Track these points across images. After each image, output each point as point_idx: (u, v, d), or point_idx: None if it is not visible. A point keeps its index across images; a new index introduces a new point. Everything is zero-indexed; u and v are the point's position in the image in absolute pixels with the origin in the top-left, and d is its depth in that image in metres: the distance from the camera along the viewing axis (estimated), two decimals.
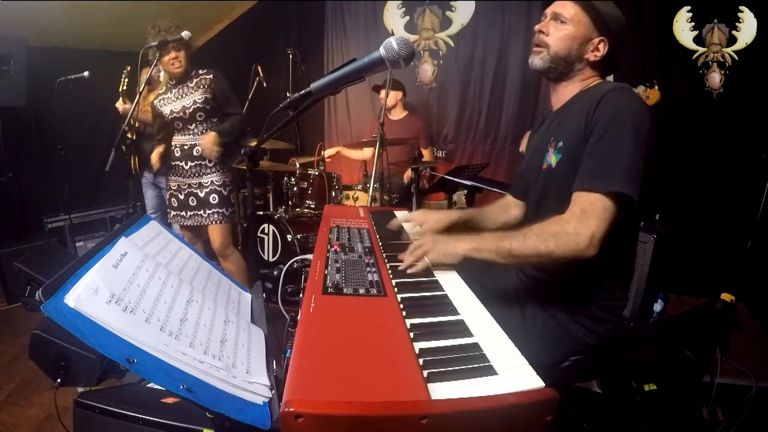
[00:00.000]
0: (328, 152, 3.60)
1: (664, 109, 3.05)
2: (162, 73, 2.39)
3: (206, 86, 2.34)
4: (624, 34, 1.17)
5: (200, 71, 2.38)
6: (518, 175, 1.47)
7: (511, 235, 1.03)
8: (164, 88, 2.42)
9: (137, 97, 2.31)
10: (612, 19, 1.14)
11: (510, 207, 1.50)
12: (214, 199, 2.43)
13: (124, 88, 2.68)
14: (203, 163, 2.41)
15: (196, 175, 2.42)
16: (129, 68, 2.74)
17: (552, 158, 1.16)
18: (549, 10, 1.19)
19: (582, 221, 0.98)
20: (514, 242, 1.02)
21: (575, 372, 1.18)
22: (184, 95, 2.35)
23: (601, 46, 1.15)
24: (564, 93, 1.23)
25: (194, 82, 2.35)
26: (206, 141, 2.31)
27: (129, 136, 2.84)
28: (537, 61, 1.19)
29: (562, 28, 1.15)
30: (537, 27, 1.20)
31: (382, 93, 2.99)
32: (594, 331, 1.14)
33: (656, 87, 2.87)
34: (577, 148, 1.08)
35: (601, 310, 1.14)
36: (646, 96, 2.78)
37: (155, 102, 2.43)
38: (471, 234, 1.12)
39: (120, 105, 2.70)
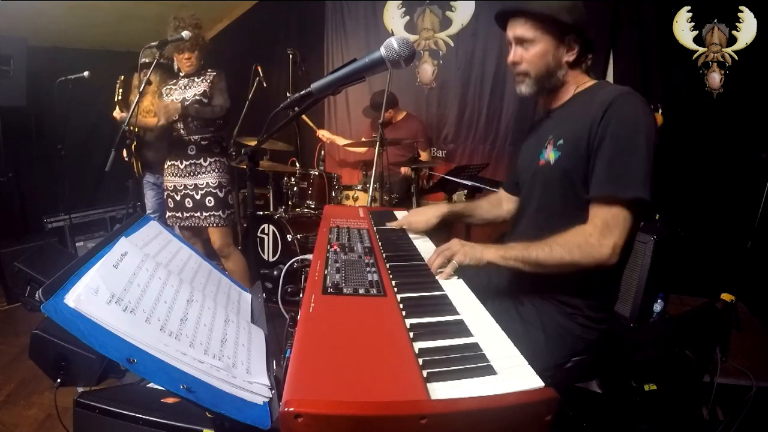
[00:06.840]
0: (326, 135, 3.75)
1: (664, 109, 3.05)
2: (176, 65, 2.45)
3: (209, 81, 2.39)
4: (584, 8, 1.14)
5: (209, 70, 2.43)
6: (512, 169, 1.49)
7: (537, 246, 1.07)
8: (175, 79, 2.47)
9: (137, 97, 2.30)
10: (568, 10, 1.12)
11: (502, 202, 1.54)
12: (210, 201, 2.43)
13: (119, 98, 2.64)
14: (198, 162, 2.42)
15: (191, 174, 2.42)
16: (123, 77, 2.72)
17: (551, 155, 1.16)
18: (510, 36, 1.19)
19: (605, 233, 1.02)
20: (540, 252, 1.06)
21: (579, 371, 1.19)
22: (188, 87, 2.40)
23: (572, 43, 1.15)
24: (559, 96, 1.24)
25: (200, 78, 2.40)
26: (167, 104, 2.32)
27: (127, 137, 2.82)
28: (524, 89, 1.21)
29: (530, 50, 1.16)
30: (509, 60, 1.21)
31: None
32: (590, 327, 1.16)
33: (660, 111, 2.88)
34: (577, 150, 1.09)
35: (596, 301, 1.16)
36: None
37: (163, 90, 2.46)
38: (470, 237, 1.14)
39: (117, 114, 2.60)
